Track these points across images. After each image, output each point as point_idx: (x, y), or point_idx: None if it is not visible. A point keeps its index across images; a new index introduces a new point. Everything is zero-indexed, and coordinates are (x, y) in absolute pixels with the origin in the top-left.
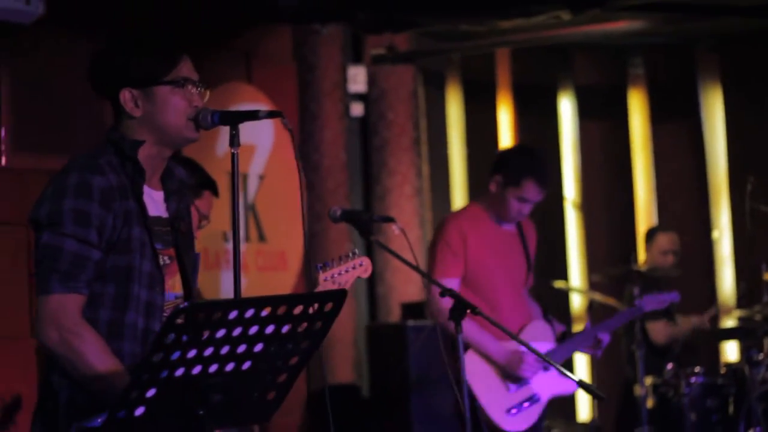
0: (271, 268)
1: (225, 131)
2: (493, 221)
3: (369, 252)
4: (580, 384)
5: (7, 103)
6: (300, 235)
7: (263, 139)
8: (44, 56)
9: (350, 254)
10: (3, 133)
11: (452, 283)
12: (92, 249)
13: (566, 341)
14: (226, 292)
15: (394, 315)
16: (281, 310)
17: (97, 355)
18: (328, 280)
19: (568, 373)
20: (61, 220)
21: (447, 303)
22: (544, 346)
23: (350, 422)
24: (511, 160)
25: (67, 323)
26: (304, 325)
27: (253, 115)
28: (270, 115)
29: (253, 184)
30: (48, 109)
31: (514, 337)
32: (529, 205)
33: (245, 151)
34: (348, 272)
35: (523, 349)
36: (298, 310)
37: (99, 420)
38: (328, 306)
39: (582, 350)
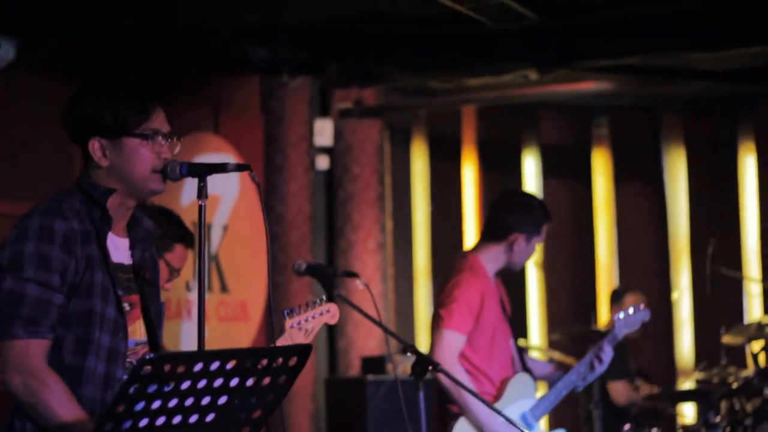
0: (233, 318)
1: (191, 181)
2: (490, 277)
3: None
4: None
5: None
6: (261, 286)
7: (228, 190)
8: (14, 101)
9: (317, 300)
10: None
11: (461, 339)
12: (54, 293)
13: (546, 395)
14: (186, 342)
15: (354, 369)
16: (246, 364)
17: (61, 403)
18: (294, 327)
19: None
20: (22, 264)
21: (452, 352)
22: (527, 402)
23: None
24: (523, 217)
25: (31, 369)
26: (269, 378)
27: (221, 168)
28: (238, 168)
29: (216, 234)
30: (16, 155)
31: (491, 406)
32: None
33: (210, 202)
34: (315, 318)
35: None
36: (262, 363)
37: None
38: (293, 360)
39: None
